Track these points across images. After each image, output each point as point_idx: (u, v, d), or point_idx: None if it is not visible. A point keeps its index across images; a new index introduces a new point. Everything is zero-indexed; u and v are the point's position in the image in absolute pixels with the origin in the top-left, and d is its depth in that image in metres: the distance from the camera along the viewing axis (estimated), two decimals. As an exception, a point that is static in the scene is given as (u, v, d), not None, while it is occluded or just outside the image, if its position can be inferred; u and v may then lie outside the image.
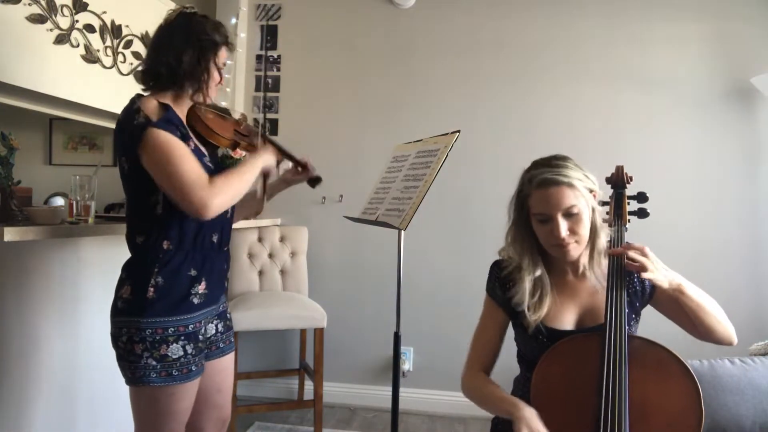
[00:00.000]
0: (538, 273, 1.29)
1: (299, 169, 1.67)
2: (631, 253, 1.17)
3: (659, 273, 1.16)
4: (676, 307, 1.22)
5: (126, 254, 1.40)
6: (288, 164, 1.68)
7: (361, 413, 2.98)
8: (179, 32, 1.39)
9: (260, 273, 2.95)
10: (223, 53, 1.45)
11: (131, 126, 1.29)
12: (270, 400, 3.10)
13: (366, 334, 3.05)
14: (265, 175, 1.53)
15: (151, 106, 1.32)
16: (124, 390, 1.37)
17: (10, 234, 1.45)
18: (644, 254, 1.17)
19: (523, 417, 1.11)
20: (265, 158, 1.48)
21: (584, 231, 1.23)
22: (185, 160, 1.27)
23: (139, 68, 1.46)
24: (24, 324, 1.75)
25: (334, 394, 3.05)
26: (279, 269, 2.97)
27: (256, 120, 1.74)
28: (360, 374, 3.09)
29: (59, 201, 2.27)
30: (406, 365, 3.02)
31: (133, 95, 1.37)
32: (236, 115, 1.61)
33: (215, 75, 1.44)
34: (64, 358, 1.91)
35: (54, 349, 1.87)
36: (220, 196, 1.28)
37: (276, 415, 2.89)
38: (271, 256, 2.98)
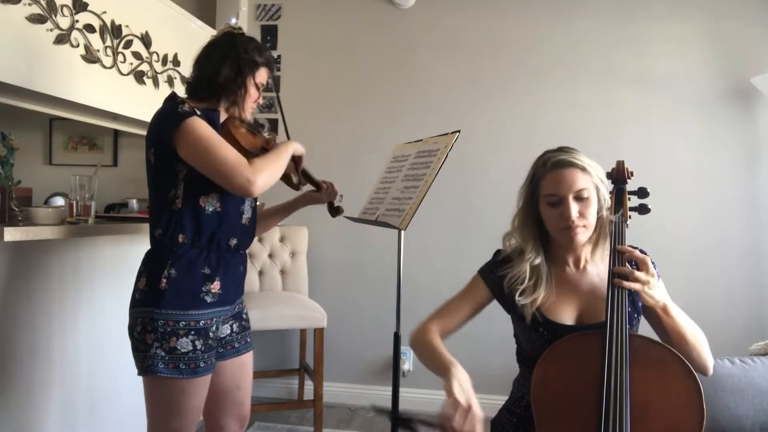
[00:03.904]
0: (538, 261, 1.30)
1: (318, 190, 1.77)
2: (638, 274, 1.17)
3: (654, 291, 1.17)
4: (659, 324, 1.23)
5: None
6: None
7: (361, 413, 2.98)
8: (221, 48, 1.49)
9: (260, 273, 2.95)
10: (263, 73, 1.53)
11: (174, 113, 1.35)
12: (270, 400, 3.10)
13: (366, 334, 3.05)
14: (297, 161, 1.62)
15: (193, 104, 1.41)
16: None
17: (10, 234, 1.45)
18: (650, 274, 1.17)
19: (456, 376, 1.11)
20: (294, 145, 1.56)
21: (592, 217, 1.25)
22: (225, 145, 1.36)
23: (187, 81, 1.57)
24: (23, 323, 1.75)
25: (334, 394, 3.05)
26: (279, 269, 2.97)
27: (259, 123, 1.75)
28: (360, 374, 3.09)
29: (59, 201, 2.27)
30: (406, 365, 3.02)
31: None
32: (267, 135, 1.64)
33: (252, 92, 1.52)
34: (64, 357, 1.91)
35: (54, 348, 1.87)
36: (263, 172, 1.37)
37: (276, 415, 2.89)
38: (271, 256, 2.98)
